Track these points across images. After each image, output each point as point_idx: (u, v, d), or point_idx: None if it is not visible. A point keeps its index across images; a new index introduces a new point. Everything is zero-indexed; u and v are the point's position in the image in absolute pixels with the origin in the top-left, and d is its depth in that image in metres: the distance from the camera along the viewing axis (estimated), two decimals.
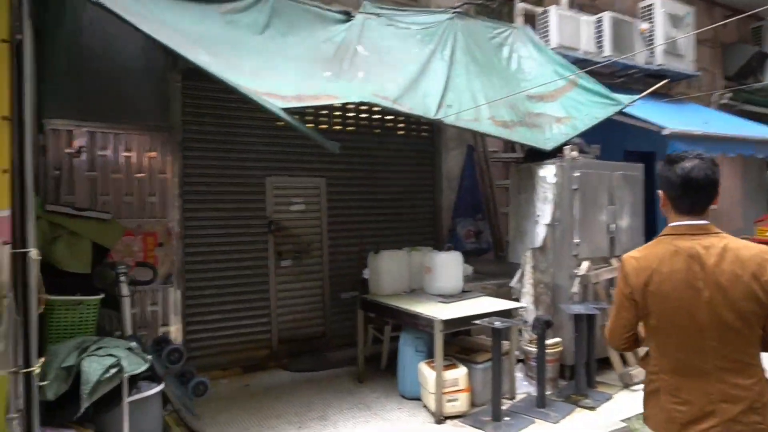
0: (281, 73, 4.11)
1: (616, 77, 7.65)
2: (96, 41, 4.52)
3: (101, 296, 3.47)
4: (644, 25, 7.58)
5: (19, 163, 2.42)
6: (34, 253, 2.44)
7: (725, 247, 1.79)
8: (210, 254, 5.15)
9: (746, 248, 1.79)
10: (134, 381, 3.27)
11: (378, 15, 5.16)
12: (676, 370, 1.84)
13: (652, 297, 1.84)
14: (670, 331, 1.84)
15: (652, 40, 7.53)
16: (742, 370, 1.77)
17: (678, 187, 1.87)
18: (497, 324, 3.98)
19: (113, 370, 3.04)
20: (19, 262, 2.40)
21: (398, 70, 4.65)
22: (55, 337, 3.29)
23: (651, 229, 8.46)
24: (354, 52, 4.64)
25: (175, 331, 4.73)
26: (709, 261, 1.78)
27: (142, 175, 4.69)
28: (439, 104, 4.49)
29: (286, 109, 3.66)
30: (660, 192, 1.95)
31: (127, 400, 3.17)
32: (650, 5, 7.70)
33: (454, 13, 5.56)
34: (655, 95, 7.51)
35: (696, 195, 1.86)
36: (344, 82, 4.22)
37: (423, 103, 4.43)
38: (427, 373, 4.18)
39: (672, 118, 6.49)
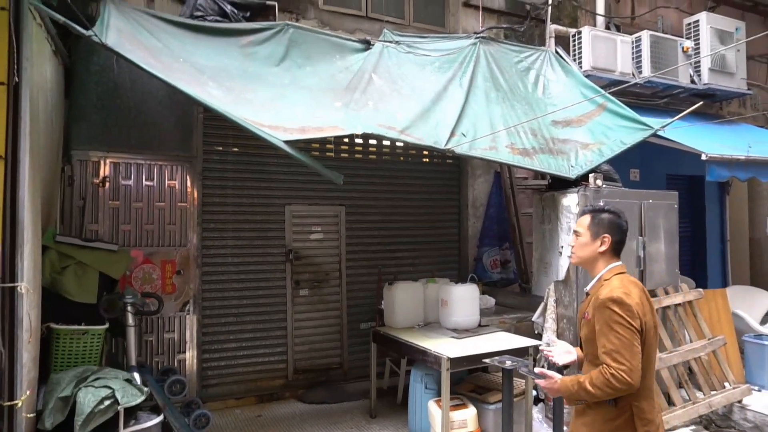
0: (291, 105, 4.14)
1: (659, 98, 7.29)
2: (124, 75, 4.71)
3: (106, 326, 3.54)
4: (687, 43, 7.20)
5: (11, 200, 2.51)
6: (22, 287, 2.51)
7: None
8: (228, 282, 5.20)
9: None
10: (132, 412, 3.30)
11: (397, 43, 5.15)
12: (644, 393, 2.07)
13: (645, 328, 2.10)
14: (648, 357, 2.10)
15: (698, 59, 7.15)
16: None
17: (624, 234, 2.29)
18: (508, 364, 3.77)
19: (107, 402, 3.07)
20: (8, 296, 2.46)
21: (412, 98, 4.59)
22: (60, 365, 3.37)
23: (698, 257, 8.01)
24: (368, 81, 4.62)
25: (189, 358, 4.78)
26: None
27: (162, 203, 4.81)
28: (452, 133, 4.37)
29: (289, 142, 3.67)
30: (607, 236, 2.24)
31: (123, 431, 3.19)
32: (696, 21, 7.33)
33: (477, 38, 5.47)
34: (703, 116, 7.13)
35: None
36: (353, 112, 4.19)
37: (434, 133, 4.33)
38: (435, 412, 4.00)
39: (716, 141, 6.09)
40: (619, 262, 2.25)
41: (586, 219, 2.31)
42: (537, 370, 2.32)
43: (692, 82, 7.14)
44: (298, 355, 5.46)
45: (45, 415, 3.04)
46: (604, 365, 2.02)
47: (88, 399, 3.04)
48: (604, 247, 2.23)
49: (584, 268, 2.33)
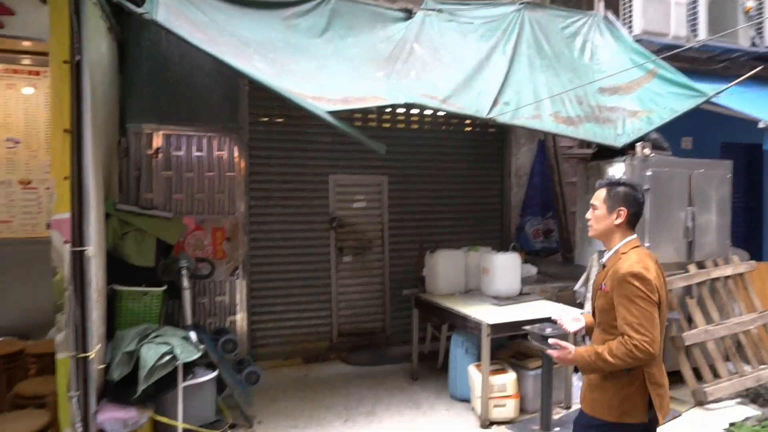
0: (334, 75, 4.20)
1: (716, 63, 6.93)
2: (174, 50, 4.87)
3: (164, 288, 3.78)
4: (750, 3, 6.77)
5: (78, 171, 2.70)
6: (90, 250, 2.73)
7: None
8: (274, 249, 5.41)
9: None
10: (190, 367, 3.55)
11: (439, 11, 5.08)
12: (655, 360, 2.15)
13: (660, 301, 2.17)
14: (661, 328, 2.17)
15: (761, 19, 6.73)
16: None
17: (640, 207, 2.30)
18: (548, 331, 3.81)
19: (167, 357, 3.30)
20: (77, 259, 2.69)
21: (454, 67, 4.57)
22: (124, 324, 3.64)
23: (753, 229, 7.70)
24: (410, 51, 4.61)
25: (240, 320, 5.04)
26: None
27: (211, 173, 5.01)
28: (495, 102, 4.35)
29: (332, 112, 3.75)
30: (623, 209, 2.26)
31: (181, 384, 3.45)
32: None
33: (522, 3, 5.34)
34: (764, 81, 6.74)
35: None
36: (394, 82, 4.22)
37: (476, 101, 4.32)
38: (475, 377, 4.11)
39: None
40: (635, 235, 2.30)
41: (602, 192, 2.34)
42: (551, 340, 2.35)
43: (753, 44, 6.73)
44: (342, 319, 5.67)
45: (112, 368, 3.31)
46: (626, 336, 2.09)
47: (150, 354, 3.28)
48: (620, 220, 2.26)
49: (600, 240, 2.36)
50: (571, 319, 2.46)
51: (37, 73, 4.51)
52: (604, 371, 2.19)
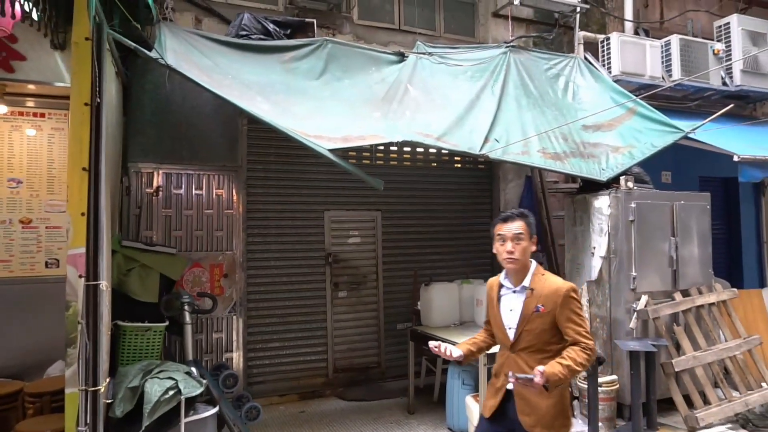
0: (332, 116, 4.40)
1: (690, 101, 7.32)
2: (176, 92, 5.03)
3: (166, 324, 3.83)
4: (718, 46, 7.22)
5: (94, 208, 2.80)
6: (104, 284, 2.80)
7: None
8: (271, 285, 5.47)
9: None
10: (191, 403, 3.56)
11: (430, 54, 5.37)
12: None
13: None
14: None
15: (729, 61, 7.16)
16: None
17: None
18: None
19: (171, 392, 3.33)
20: (91, 293, 2.76)
21: (446, 107, 4.80)
22: (126, 359, 3.66)
23: (734, 259, 7.95)
24: (404, 92, 4.86)
25: (237, 357, 5.05)
26: None
27: (210, 211, 5.11)
28: (486, 139, 4.57)
29: (333, 150, 3.92)
30: (535, 236, 2.48)
31: (184, 420, 3.46)
32: (727, 24, 7.34)
33: (507, 47, 5.66)
34: (736, 118, 7.11)
35: None
36: (391, 122, 4.42)
37: (469, 139, 4.54)
38: (473, 407, 4.17)
39: (749, 143, 6.10)
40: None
41: (520, 223, 2.46)
42: (520, 376, 2.24)
43: (724, 84, 7.15)
44: (337, 354, 5.69)
45: (115, 404, 3.32)
46: (582, 344, 2.31)
47: (154, 389, 3.31)
48: (533, 246, 2.46)
49: (514, 269, 2.45)
50: (449, 348, 2.55)
51: (42, 115, 4.63)
52: (565, 383, 2.35)
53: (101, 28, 2.91)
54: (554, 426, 2.37)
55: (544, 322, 2.36)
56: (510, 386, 2.44)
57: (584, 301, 4.93)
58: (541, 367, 2.20)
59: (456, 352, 2.53)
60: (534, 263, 2.48)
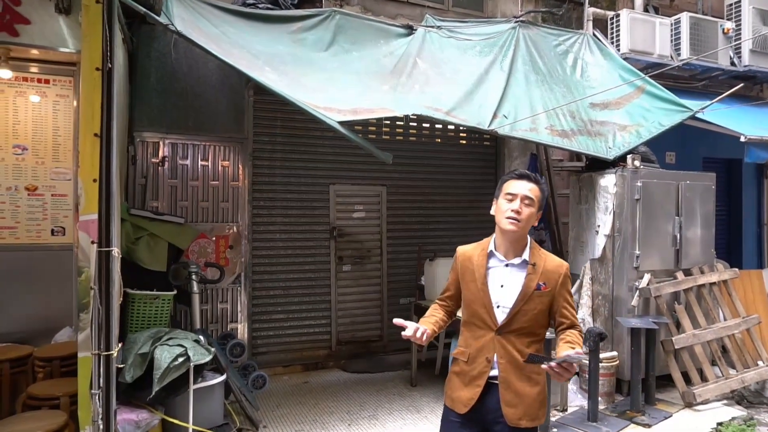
0: (341, 88, 4.36)
1: (697, 81, 7.27)
2: (182, 61, 4.97)
3: (174, 292, 3.85)
4: (728, 25, 7.14)
5: (106, 174, 2.80)
6: (116, 251, 2.81)
7: None
8: (276, 257, 5.49)
9: None
10: (200, 370, 3.61)
11: (439, 27, 5.31)
12: None
13: None
14: None
15: (738, 40, 7.09)
16: None
17: None
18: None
19: (181, 359, 3.38)
20: (104, 259, 2.77)
21: (455, 81, 4.77)
22: (135, 326, 3.70)
23: (734, 240, 8.01)
24: (413, 65, 4.81)
25: (241, 328, 5.10)
26: None
27: (216, 182, 5.10)
28: (494, 115, 4.55)
29: (342, 122, 3.89)
30: (540, 210, 2.17)
31: (192, 387, 3.51)
32: (738, 2, 7.24)
33: (516, 22, 5.59)
34: (743, 99, 7.08)
35: None
36: (400, 95, 4.39)
37: (477, 114, 4.51)
38: None
39: (755, 124, 6.09)
40: None
41: (536, 188, 2.13)
42: (572, 354, 1.90)
43: (732, 64, 7.10)
44: (341, 327, 5.76)
45: (125, 370, 3.37)
46: (578, 327, 2.15)
47: (164, 355, 3.35)
48: (536, 220, 2.15)
49: (511, 240, 2.13)
50: (419, 329, 2.14)
51: (47, 81, 4.57)
52: None
53: None
54: (538, 416, 2.12)
55: (542, 302, 2.09)
56: (494, 373, 2.10)
57: (587, 279, 4.97)
58: (569, 351, 1.93)
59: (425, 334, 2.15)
60: (529, 237, 2.17)
